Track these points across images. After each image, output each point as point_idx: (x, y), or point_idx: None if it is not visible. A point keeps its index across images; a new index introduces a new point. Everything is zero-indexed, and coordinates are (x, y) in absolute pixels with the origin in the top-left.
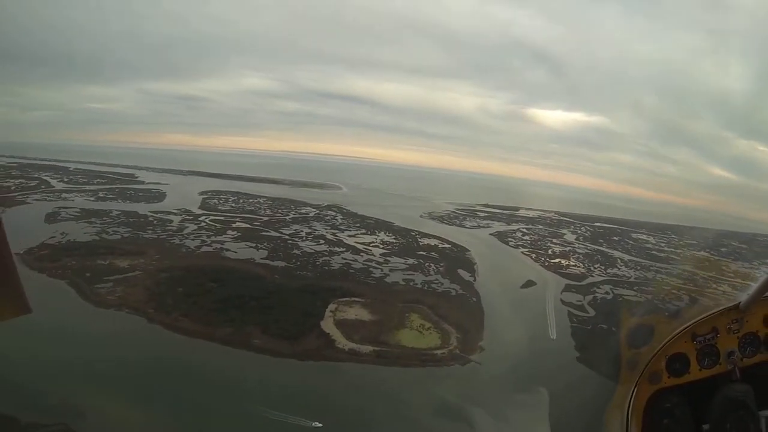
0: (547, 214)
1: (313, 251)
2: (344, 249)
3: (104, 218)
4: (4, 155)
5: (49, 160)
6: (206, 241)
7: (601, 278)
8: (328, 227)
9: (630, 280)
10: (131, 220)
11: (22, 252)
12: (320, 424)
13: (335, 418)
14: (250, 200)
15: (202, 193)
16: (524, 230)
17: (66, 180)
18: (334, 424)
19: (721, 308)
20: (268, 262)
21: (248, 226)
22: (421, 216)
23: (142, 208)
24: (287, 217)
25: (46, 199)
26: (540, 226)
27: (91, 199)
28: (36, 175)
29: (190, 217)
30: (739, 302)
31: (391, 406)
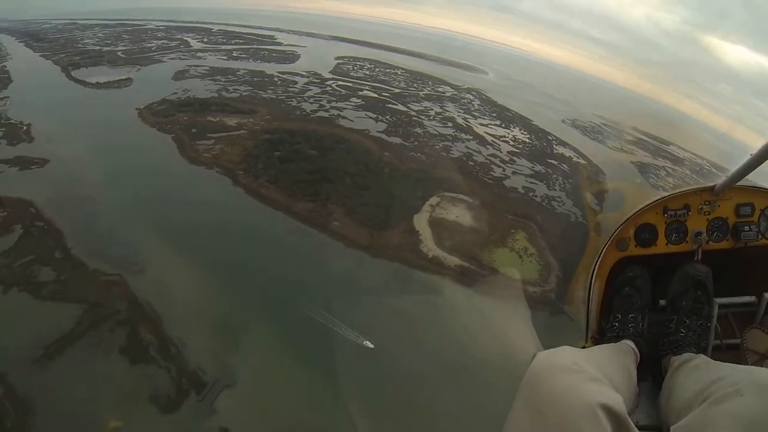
0: (700, 161)
1: (436, 133)
2: (471, 137)
3: (229, 77)
4: (156, 19)
5: (196, 23)
6: (324, 106)
7: None
8: (461, 111)
9: None
10: (255, 79)
11: (142, 107)
12: (371, 345)
13: (387, 339)
14: (387, 70)
15: (338, 59)
16: (669, 170)
17: (205, 41)
18: (384, 344)
19: (695, 187)
20: (383, 136)
21: (375, 95)
22: (563, 121)
23: (271, 68)
24: (420, 93)
25: (180, 58)
26: (688, 172)
27: (224, 58)
28: (179, 36)
29: (317, 81)
30: (715, 185)
31: (446, 339)
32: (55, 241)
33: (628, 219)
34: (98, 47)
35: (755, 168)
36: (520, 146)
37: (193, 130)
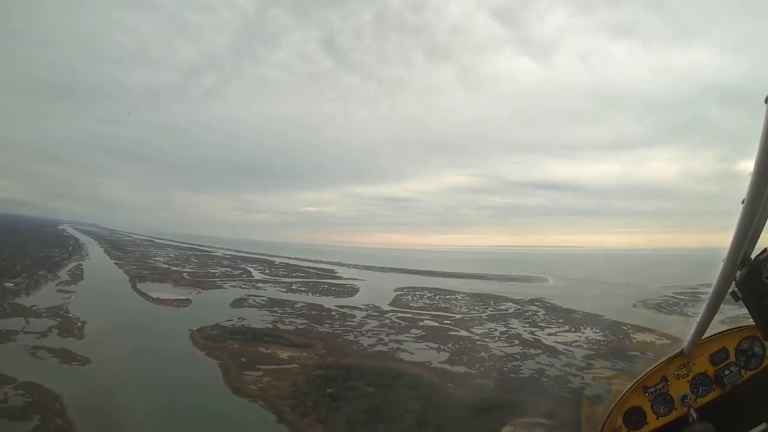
0: None
1: (502, 354)
2: (540, 351)
3: (286, 308)
4: (224, 248)
5: (260, 254)
6: (383, 340)
7: None
8: (527, 324)
9: None
10: (312, 312)
11: (195, 328)
12: None
13: None
14: (447, 297)
15: (397, 290)
16: None
17: (267, 272)
18: None
19: (666, 357)
20: (446, 366)
21: (436, 324)
22: (634, 305)
23: (329, 302)
24: (483, 315)
25: (241, 287)
26: None
27: (283, 290)
28: (242, 266)
29: (376, 313)
30: (683, 348)
31: None
32: None
33: (612, 409)
34: (167, 266)
35: (711, 320)
36: (595, 346)
37: (242, 359)
